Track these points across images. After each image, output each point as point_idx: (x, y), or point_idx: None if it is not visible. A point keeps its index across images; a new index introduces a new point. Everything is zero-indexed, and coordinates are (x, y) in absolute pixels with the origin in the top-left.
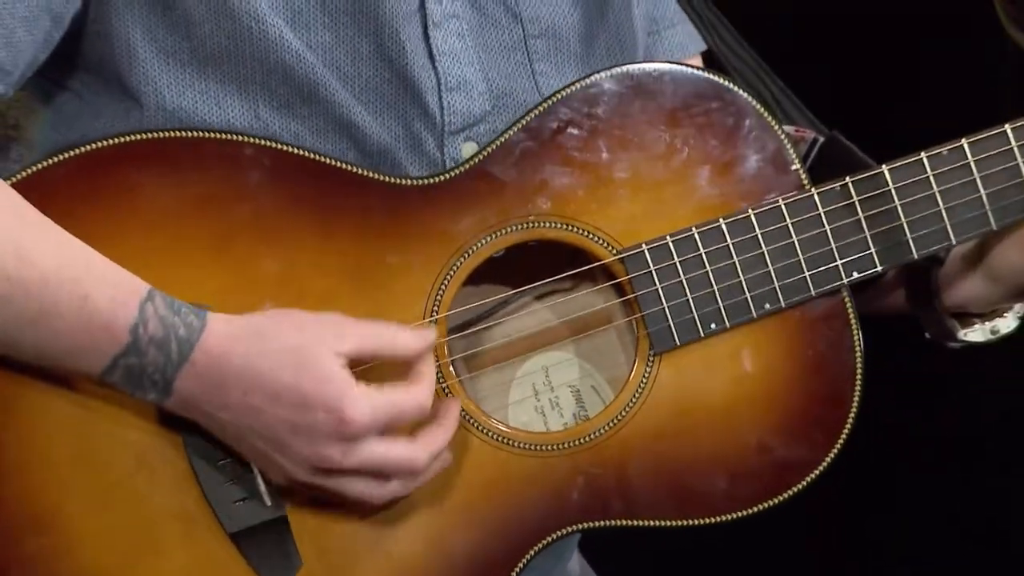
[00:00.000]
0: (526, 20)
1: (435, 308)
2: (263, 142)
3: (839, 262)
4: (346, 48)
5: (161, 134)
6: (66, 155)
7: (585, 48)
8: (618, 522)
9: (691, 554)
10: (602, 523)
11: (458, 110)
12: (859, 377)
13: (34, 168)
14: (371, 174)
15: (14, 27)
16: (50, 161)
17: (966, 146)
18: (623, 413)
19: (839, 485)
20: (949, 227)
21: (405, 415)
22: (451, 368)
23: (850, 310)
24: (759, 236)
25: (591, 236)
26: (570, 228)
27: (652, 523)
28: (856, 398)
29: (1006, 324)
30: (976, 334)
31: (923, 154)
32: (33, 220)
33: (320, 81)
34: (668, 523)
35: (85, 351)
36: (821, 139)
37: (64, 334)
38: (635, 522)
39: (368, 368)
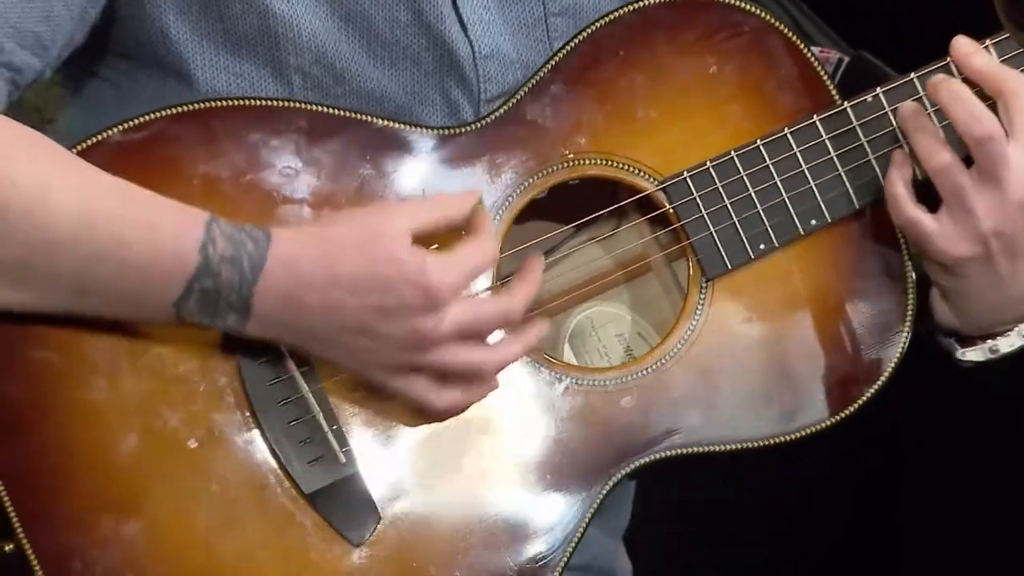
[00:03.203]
0: None
1: None
2: (298, 104)
3: (878, 172)
4: (385, 16)
5: (192, 106)
6: (102, 135)
7: None
8: (687, 450)
9: (729, 561)
10: (671, 452)
11: (493, 77)
12: (910, 284)
13: (75, 149)
14: (408, 126)
15: (52, 2)
16: (88, 143)
17: (990, 47)
18: (683, 341)
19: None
20: None
21: (480, 267)
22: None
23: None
24: (797, 154)
25: (631, 169)
26: (610, 163)
27: (721, 448)
28: (911, 306)
29: (1008, 343)
30: (975, 353)
31: (950, 59)
32: (86, 165)
33: (352, 57)
34: (735, 447)
35: (156, 282)
36: (846, 59)
37: (133, 266)
38: (705, 448)
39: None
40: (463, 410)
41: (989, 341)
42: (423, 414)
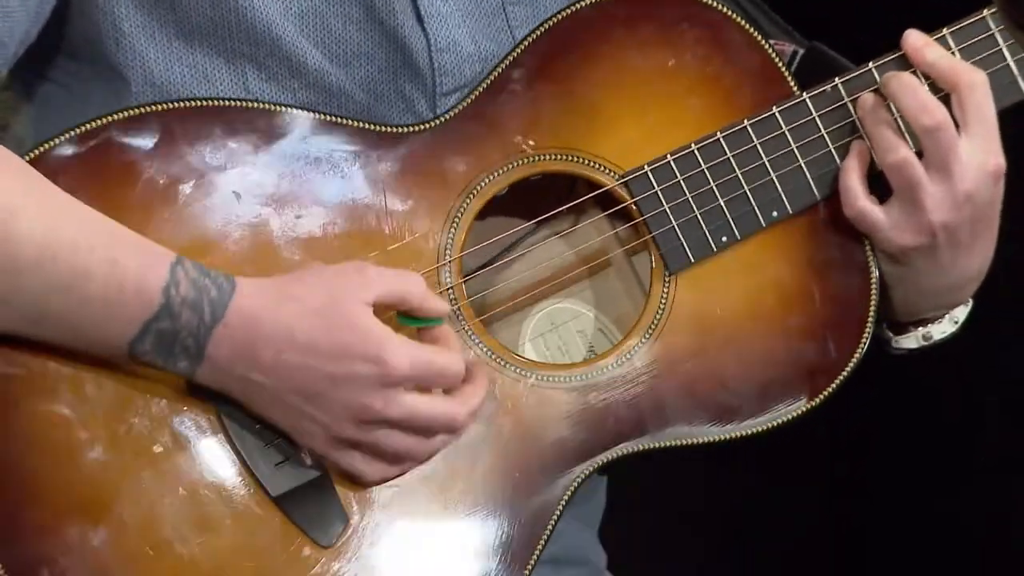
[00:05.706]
0: None
1: (447, 251)
2: (254, 104)
3: (839, 163)
4: (337, 12)
5: (148, 108)
6: (57, 140)
7: None
8: (656, 444)
9: (703, 554)
10: (640, 447)
11: (449, 71)
12: (873, 273)
13: (31, 155)
14: (367, 125)
15: None
16: (41, 149)
17: (948, 36)
18: (647, 336)
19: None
20: None
21: (441, 373)
22: (469, 309)
23: None
24: (758, 146)
25: (592, 164)
26: (570, 158)
27: (689, 442)
28: (873, 295)
29: (940, 329)
30: (909, 341)
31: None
32: (57, 192)
33: (307, 51)
34: (706, 440)
35: (115, 318)
36: (801, 51)
37: (94, 300)
38: (673, 442)
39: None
40: (392, 479)
41: (921, 328)
42: None
